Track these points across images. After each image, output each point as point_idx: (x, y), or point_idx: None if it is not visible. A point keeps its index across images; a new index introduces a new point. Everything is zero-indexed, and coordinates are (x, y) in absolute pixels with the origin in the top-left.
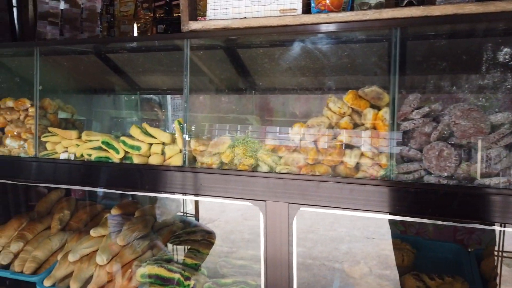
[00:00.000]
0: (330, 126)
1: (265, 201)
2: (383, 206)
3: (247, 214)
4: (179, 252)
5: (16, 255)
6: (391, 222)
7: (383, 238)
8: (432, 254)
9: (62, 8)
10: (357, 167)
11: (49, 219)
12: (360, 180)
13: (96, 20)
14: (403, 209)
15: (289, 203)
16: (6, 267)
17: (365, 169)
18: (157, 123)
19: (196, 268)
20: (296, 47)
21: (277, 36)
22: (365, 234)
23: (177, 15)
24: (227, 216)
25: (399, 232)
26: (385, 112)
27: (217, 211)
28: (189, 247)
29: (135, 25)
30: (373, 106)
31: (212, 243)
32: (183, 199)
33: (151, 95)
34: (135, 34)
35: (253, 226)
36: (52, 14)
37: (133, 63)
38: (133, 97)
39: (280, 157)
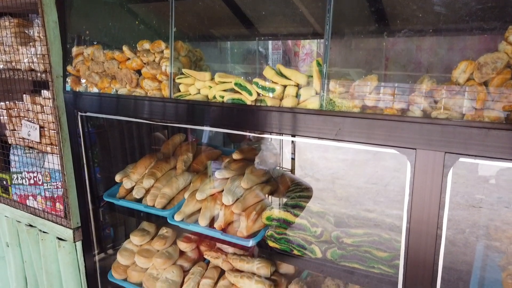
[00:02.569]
0: (508, 65)
1: (415, 149)
2: None
3: (338, 174)
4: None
5: (147, 191)
6: None
7: (491, 208)
8: None
9: None
10: None
11: (174, 160)
12: None
13: None
14: None
15: (446, 152)
16: (139, 200)
17: None
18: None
19: (322, 216)
20: None
21: None
22: (470, 202)
23: None
24: (318, 174)
25: None
26: None
27: (308, 169)
28: (309, 195)
29: None
30: None
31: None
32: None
33: (258, 48)
34: None
35: (344, 185)
36: None
37: (257, 5)
38: (235, 50)
39: (437, 101)
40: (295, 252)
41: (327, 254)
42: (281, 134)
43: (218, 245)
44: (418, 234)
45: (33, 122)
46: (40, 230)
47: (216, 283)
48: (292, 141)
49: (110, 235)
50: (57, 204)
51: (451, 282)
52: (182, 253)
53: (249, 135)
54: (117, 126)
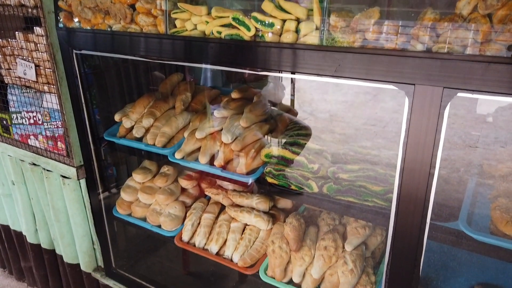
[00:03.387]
0: None
1: (414, 84)
2: None
3: (337, 116)
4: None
5: (147, 130)
6: None
7: (488, 148)
8: None
9: None
10: None
11: (172, 100)
12: None
13: None
14: None
15: (444, 87)
16: (139, 139)
17: None
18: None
19: (320, 153)
20: None
21: None
22: (467, 142)
23: None
24: (316, 116)
25: None
26: None
27: (306, 110)
28: (307, 133)
29: None
30: None
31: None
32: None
33: None
34: None
35: (343, 127)
36: None
37: None
38: None
39: (439, 35)
40: (293, 187)
41: (324, 189)
42: (280, 71)
43: (219, 182)
44: (412, 169)
45: (28, 61)
46: (44, 169)
47: (217, 217)
48: (292, 81)
49: (113, 175)
50: (59, 143)
51: (442, 218)
52: (183, 190)
53: (247, 73)
54: (114, 66)
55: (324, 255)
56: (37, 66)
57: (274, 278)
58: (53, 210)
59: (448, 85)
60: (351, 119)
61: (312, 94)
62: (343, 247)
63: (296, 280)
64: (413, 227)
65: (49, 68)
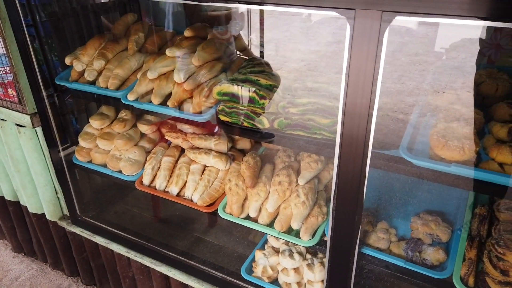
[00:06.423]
0: None
1: (354, 9)
2: None
3: (310, 65)
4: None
5: (99, 73)
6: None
7: (454, 92)
8: None
9: None
10: None
11: (125, 41)
12: None
13: None
14: None
15: (383, 11)
16: (92, 83)
17: None
18: None
19: (270, 88)
20: None
21: None
22: (435, 88)
23: None
24: (289, 66)
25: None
26: None
27: (280, 61)
28: (261, 70)
29: None
30: None
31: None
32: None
33: None
34: None
35: (316, 76)
36: None
37: None
38: None
39: None
40: (245, 124)
41: (274, 124)
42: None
43: (179, 126)
44: (354, 98)
45: None
46: None
47: (177, 160)
48: (261, 32)
49: (72, 123)
50: (9, 90)
51: (384, 147)
52: (143, 135)
53: (209, 15)
54: (73, 14)
55: (278, 190)
56: None
57: (231, 215)
58: (12, 160)
59: (387, 8)
60: (324, 68)
61: (286, 45)
62: (297, 182)
63: (252, 215)
64: (356, 156)
65: None
